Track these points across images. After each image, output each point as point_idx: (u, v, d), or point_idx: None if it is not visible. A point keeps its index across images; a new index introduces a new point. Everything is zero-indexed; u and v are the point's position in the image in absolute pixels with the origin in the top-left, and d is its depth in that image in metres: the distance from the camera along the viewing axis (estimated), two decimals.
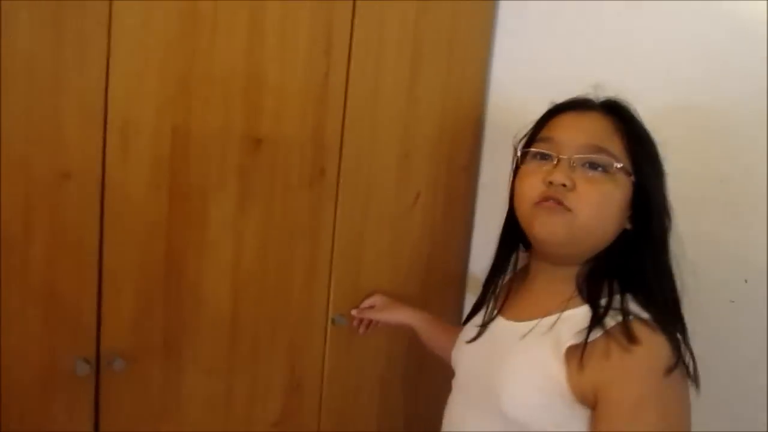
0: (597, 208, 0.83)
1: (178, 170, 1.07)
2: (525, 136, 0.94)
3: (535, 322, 0.85)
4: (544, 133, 0.89)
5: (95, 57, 0.96)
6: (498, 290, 0.99)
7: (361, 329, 1.34)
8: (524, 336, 0.85)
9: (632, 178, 0.85)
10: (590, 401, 0.78)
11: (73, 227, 0.99)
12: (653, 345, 0.77)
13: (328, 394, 1.34)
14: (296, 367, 1.29)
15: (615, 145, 0.85)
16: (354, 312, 1.32)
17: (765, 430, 1.08)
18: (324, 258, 1.29)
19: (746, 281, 1.14)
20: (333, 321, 1.32)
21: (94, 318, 1.03)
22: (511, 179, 0.94)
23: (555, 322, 0.83)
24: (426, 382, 1.52)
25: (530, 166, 0.89)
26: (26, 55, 0.91)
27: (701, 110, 1.18)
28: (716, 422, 1.16)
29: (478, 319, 0.98)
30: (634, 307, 0.81)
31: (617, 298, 0.82)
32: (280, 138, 1.18)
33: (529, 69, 1.47)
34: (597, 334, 0.78)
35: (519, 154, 0.92)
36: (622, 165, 0.84)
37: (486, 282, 1.01)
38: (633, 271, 0.85)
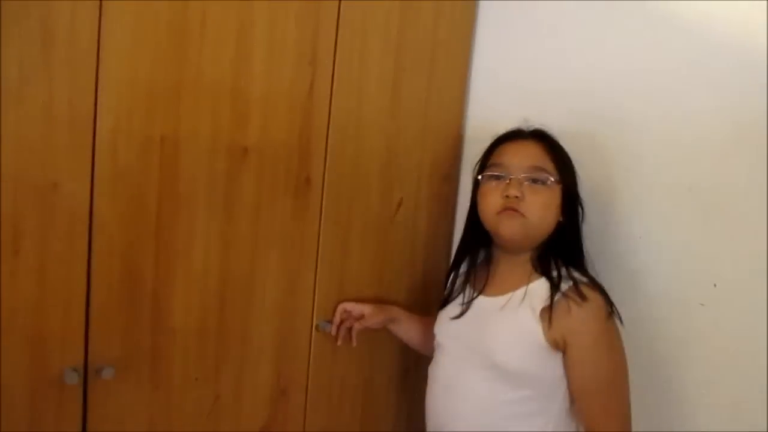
0: (542, 211, 1.14)
1: (167, 179, 1.09)
2: (478, 163, 1.24)
3: (508, 295, 1.16)
4: (494, 159, 1.20)
5: (85, 66, 0.98)
6: (470, 277, 1.26)
7: (339, 341, 1.35)
8: (503, 307, 1.15)
9: (560, 186, 1.16)
10: (561, 346, 1.09)
11: (62, 236, 0.99)
12: (596, 300, 1.10)
13: (313, 399, 1.35)
14: (282, 373, 1.30)
15: (548, 163, 1.16)
16: (356, 326, 1.34)
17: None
18: (309, 265, 1.31)
19: (715, 285, 1.19)
20: (317, 327, 1.33)
21: (82, 327, 1.03)
22: (472, 196, 1.25)
23: (524, 295, 1.13)
24: (410, 386, 1.55)
25: (489, 186, 1.18)
26: (16, 64, 0.92)
27: (672, 120, 1.23)
28: (677, 420, 1.21)
29: (455, 302, 1.25)
30: (576, 274, 1.13)
31: (563, 270, 1.14)
32: (266, 147, 1.20)
33: (507, 80, 1.51)
34: (557, 296, 1.09)
35: (479, 177, 1.22)
36: (554, 179, 1.15)
37: (449, 273, 1.33)
38: (568, 248, 1.18)
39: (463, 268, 1.31)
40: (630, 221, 1.28)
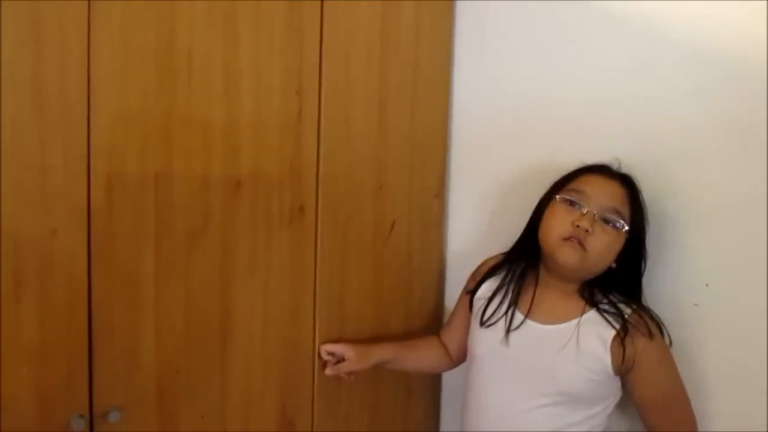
0: (604, 252, 1.14)
1: (163, 217, 1.09)
2: (555, 184, 1.22)
3: (564, 325, 1.17)
4: (576, 186, 1.17)
5: (77, 113, 0.98)
6: (508, 294, 1.25)
7: (347, 377, 1.34)
8: (561, 335, 1.15)
9: (628, 234, 1.15)
10: (621, 371, 1.13)
11: (62, 282, 0.99)
12: (658, 330, 1.15)
13: (320, 428, 1.35)
14: (288, 403, 1.30)
15: (626, 210, 1.15)
16: (329, 371, 1.31)
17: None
18: (307, 293, 1.31)
19: (707, 285, 1.21)
20: (320, 356, 1.33)
21: (86, 371, 1.02)
22: (536, 211, 1.24)
23: (578, 324, 1.16)
24: (415, 405, 1.55)
25: (561, 208, 1.16)
26: (10, 115, 0.92)
27: (659, 123, 1.26)
28: None
29: (497, 319, 1.24)
30: (624, 299, 1.17)
31: (614, 298, 1.17)
32: (259, 178, 1.21)
33: (488, 94, 1.53)
34: (618, 324, 1.13)
35: (556, 197, 1.19)
36: (625, 225, 1.14)
37: (481, 281, 1.32)
38: (621, 288, 1.20)
39: (487, 288, 1.29)
40: None
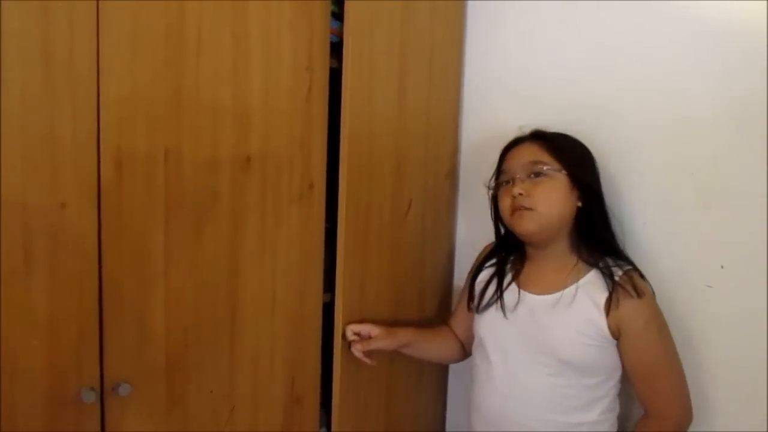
0: (547, 200, 1.18)
1: (173, 193, 1.09)
2: (492, 176, 1.30)
3: (560, 293, 1.20)
4: (501, 168, 1.27)
5: (86, 87, 0.98)
6: (503, 277, 1.29)
7: (369, 360, 1.32)
8: (556, 303, 1.19)
9: (565, 173, 1.19)
10: (617, 334, 1.15)
11: (72, 256, 0.99)
12: (647, 288, 1.18)
13: (339, 406, 1.34)
14: (296, 380, 1.31)
15: (544, 156, 1.20)
16: (358, 348, 1.30)
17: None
18: (316, 270, 1.31)
19: (722, 267, 1.20)
20: (345, 337, 1.31)
21: (96, 345, 1.03)
22: (491, 205, 1.32)
23: (576, 289, 1.19)
24: (426, 388, 1.56)
25: (501, 192, 1.26)
26: (19, 87, 0.92)
27: (668, 108, 1.24)
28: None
29: (494, 301, 1.28)
30: (620, 261, 1.20)
31: (609, 260, 1.20)
32: (268, 155, 1.20)
33: (498, 76, 1.53)
34: (610, 286, 1.16)
35: (492, 188, 1.29)
36: (550, 166, 1.19)
37: (473, 276, 1.37)
38: (597, 231, 1.22)
39: (486, 274, 1.34)
40: (632, 209, 1.30)
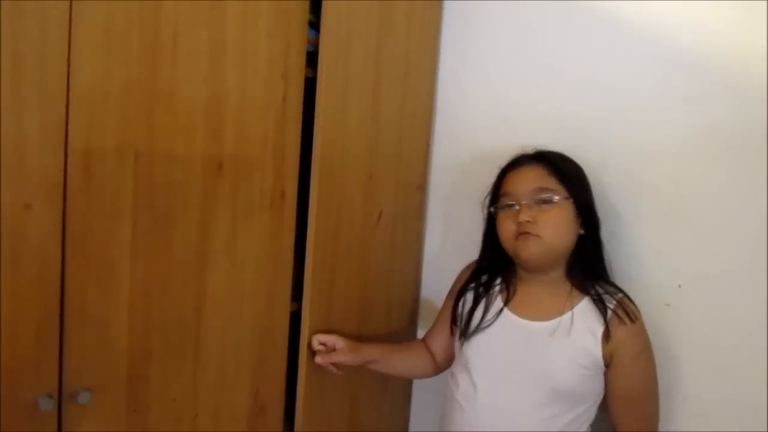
0: (555, 228, 1.18)
1: (141, 197, 1.07)
2: (488, 194, 1.28)
3: (556, 320, 1.19)
4: (503, 189, 1.24)
5: (55, 85, 0.95)
6: (492, 299, 1.27)
7: (336, 369, 1.32)
8: (554, 332, 1.18)
9: (571, 200, 1.19)
10: (608, 361, 1.16)
11: (35, 259, 0.96)
12: (638, 312, 1.19)
13: (303, 418, 1.32)
14: (260, 390, 1.29)
15: (551, 182, 1.20)
16: (319, 360, 1.29)
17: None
18: (284, 280, 1.31)
19: (679, 286, 1.24)
20: (311, 346, 1.30)
21: (56, 350, 1.00)
22: (486, 225, 1.30)
23: (572, 318, 1.18)
24: (390, 398, 1.56)
25: (503, 214, 1.23)
26: None
27: (634, 125, 1.28)
28: None
29: (483, 323, 1.25)
30: (610, 288, 1.21)
31: (601, 288, 1.20)
32: (241, 162, 1.19)
33: (472, 88, 1.54)
34: (609, 315, 1.16)
35: (492, 209, 1.27)
36: (560, 195, 1.19)
37: (458, 296, 1.33)
38: (591, 259, 1.23)
39: (470, 296, 1.31)
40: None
